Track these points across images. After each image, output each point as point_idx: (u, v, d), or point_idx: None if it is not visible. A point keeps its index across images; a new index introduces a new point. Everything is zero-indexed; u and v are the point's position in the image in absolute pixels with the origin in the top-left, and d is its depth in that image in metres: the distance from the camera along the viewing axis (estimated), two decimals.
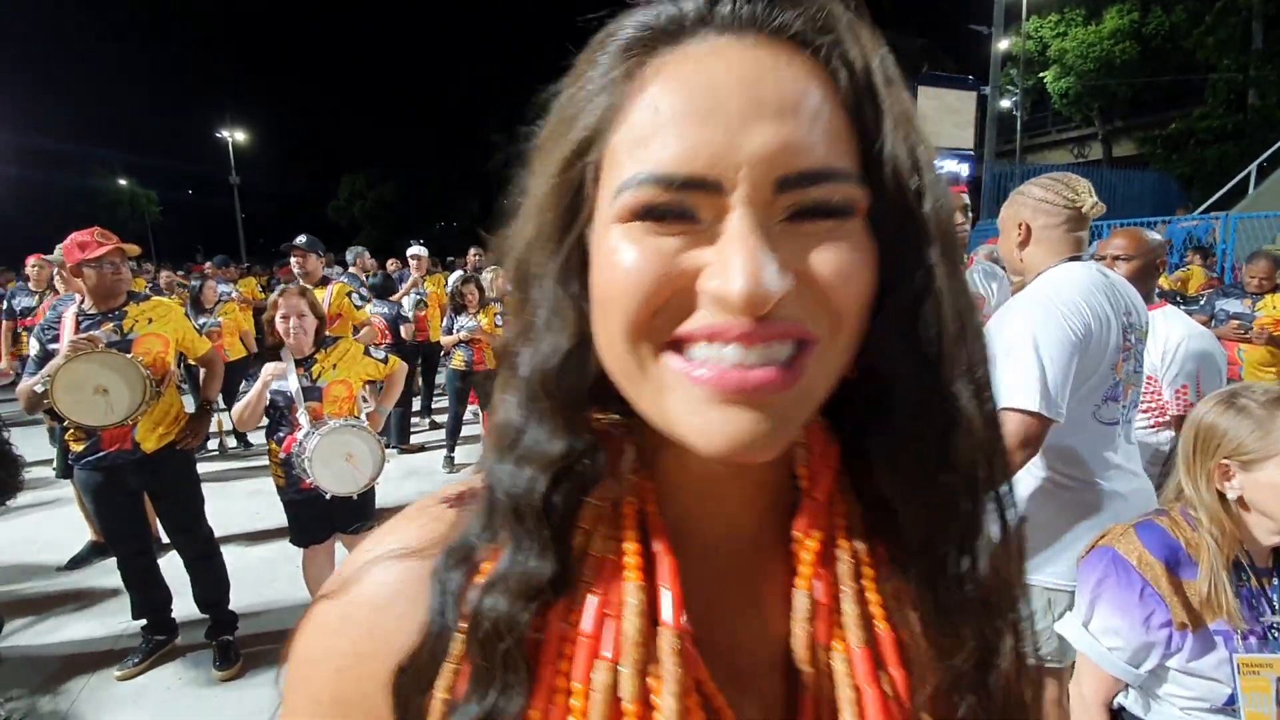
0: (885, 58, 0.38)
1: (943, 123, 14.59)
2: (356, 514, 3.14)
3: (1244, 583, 1.34)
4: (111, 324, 2.97)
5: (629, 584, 0.39)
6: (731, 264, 0.33)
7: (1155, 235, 2.44)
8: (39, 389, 2.76)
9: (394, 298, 6.65)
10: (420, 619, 0.40)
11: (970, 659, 0.41)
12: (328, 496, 2.86)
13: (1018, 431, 1.76)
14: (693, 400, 0.35)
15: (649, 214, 0.35)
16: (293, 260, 4.88)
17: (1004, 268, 3.61)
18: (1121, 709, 1.49)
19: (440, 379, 7.39)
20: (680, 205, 0.34)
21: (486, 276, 6.31)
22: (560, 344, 0.39)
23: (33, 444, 6.07)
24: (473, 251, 7.95)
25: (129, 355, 2.90)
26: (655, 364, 0.36)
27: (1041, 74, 22.33)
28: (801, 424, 0.38)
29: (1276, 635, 1.32)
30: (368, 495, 3.14)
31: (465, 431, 6.22)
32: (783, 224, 0.35)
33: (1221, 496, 1.34)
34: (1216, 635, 1.33)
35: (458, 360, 5.77)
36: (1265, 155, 12.37)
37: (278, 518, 3.66)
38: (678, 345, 0.36)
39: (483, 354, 5.73)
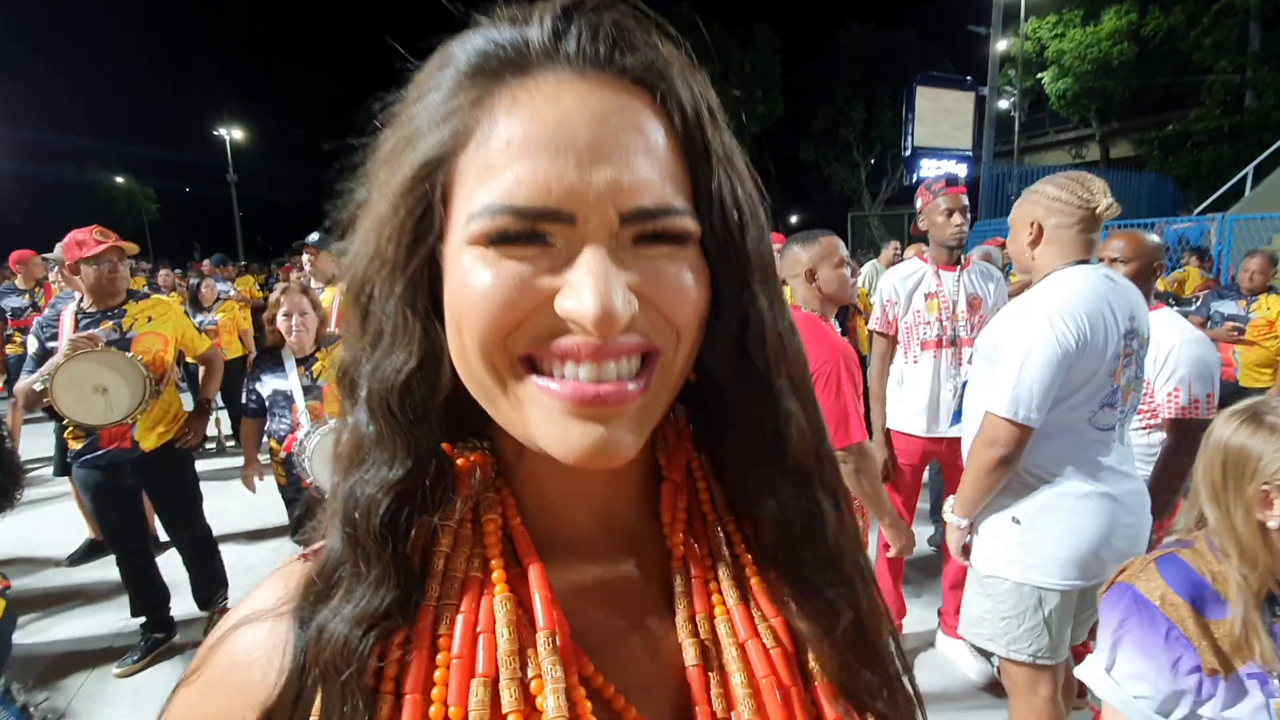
0: (711, 99, 0.41)
1: (941, 123, 14.63)
2: None
3: (1276, 618, 1.23)
4: (111, 322, 2.97)
5: (498, 598, 0.40)
6: (584, 289, 0.35)
7: (1154, 238, 2.45)
8: (38, 387, 2.76)
9: None
10: (283, 668, 0.39)
11: (825, 614, 0.45)
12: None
13: (988, 432, 1.84)
14: (551, 413, 0.38)
15: (503, 239, 0.37)
16: (305, 257, 4.89)
17: (1001, 268, 3.64)
18: None
19: None
20: (533, 231, 0.36)
21: None
22: (404, 362, 0.40)
23: (28, 444, 6.05)
24: None
25: (128, 354, 2.90)
26: (513, 380, 0.38)
27: (1040, 75, 22.35)
28: (651, 428, 0.41)
29: None
30: None
31: None
32: (629, 248, 0.38)
33: (1261, 525, 1.23)
34: (1250, 679, 1.21)
35: None
36: (1262, 157, 12.39)
37: (278, 515, 3.67)
38: (532, 361, 0.38)
39: None
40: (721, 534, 0.46)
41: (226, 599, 3.35)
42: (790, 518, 0.45)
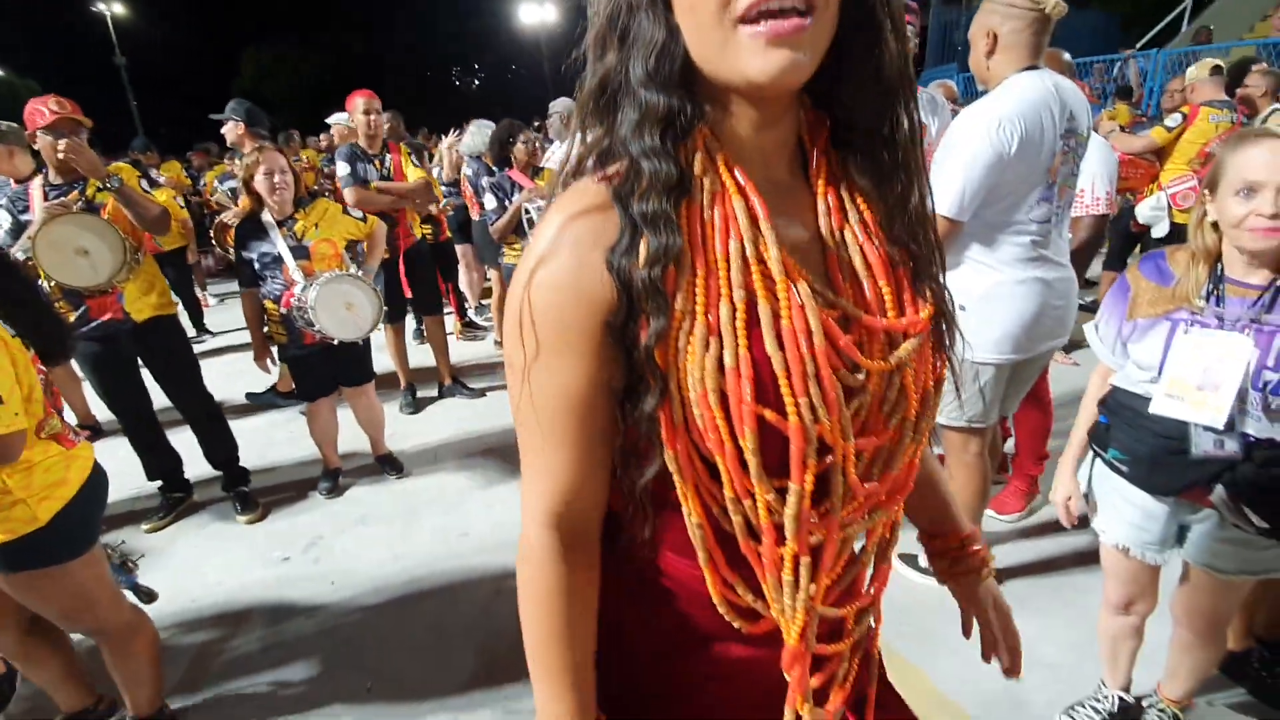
0: None
1: None
2: (359, 366, 3.35)
3: (1215, 289, 1.50)
4: (77, 192, 2.94)
5: (736, 200, 0.65)
6: None
7: (1065, 55, 2.64)
8: (21, 255, 2.76)
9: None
10: (609, 233, 0.63)
11: (899, 202, 0.72)
12: (335, 342, 3.01)
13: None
14: (754, 49, 0.58)
15: None
16: (227, 128, 4.40)
17: (953, 101, 3.78)
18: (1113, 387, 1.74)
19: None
20: None
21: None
22: (658, 38, 0.62)
23: None
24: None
25: (103, 218, 2.90)
26: (730, 33, 0.58)
27: None
28: (816, 57, 0.60)
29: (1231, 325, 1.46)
30: (366, 350, 3.33)
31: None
32: None
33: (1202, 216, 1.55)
34: (1168, 320, 1.54)
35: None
36: None
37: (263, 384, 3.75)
38: (740, 23, 0.58)
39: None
40: (848, 185, 0.72)
41: (239, 458, 3.57)
42: (876, 130, 0.69)
